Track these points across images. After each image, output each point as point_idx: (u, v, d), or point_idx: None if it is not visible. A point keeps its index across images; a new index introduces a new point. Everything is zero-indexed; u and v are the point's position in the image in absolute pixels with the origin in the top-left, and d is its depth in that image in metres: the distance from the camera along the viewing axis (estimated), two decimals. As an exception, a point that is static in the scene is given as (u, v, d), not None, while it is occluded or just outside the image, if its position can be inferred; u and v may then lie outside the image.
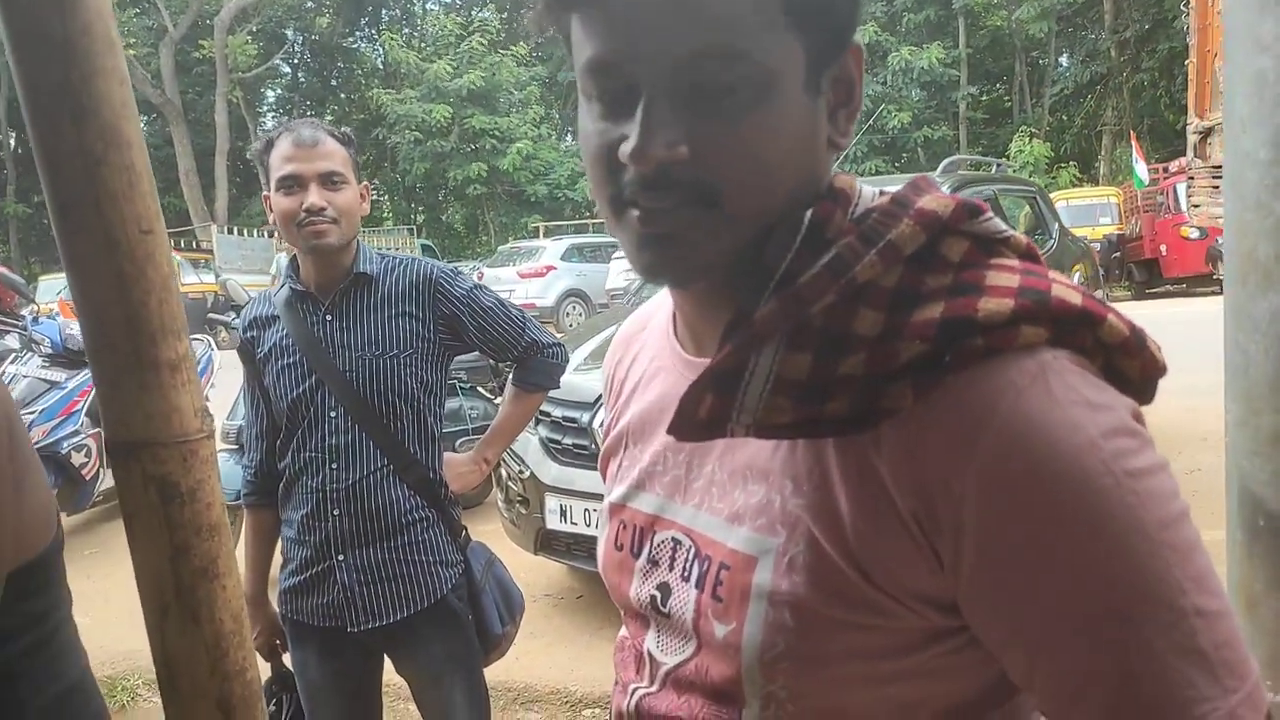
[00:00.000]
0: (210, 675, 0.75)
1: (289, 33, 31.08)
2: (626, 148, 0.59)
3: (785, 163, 0.62)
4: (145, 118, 26.26)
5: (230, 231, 20.82)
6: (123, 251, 0.70)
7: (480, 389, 5.46)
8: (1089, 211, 16.33)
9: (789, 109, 0.61)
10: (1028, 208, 6.41)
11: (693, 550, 0.70)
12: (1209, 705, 0.52)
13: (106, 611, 3.79)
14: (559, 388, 2.08)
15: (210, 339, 6.06)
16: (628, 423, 0.82)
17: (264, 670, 1.96)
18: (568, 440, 3.55)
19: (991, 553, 0.55)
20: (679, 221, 0.61)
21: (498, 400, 5.27)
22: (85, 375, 5.10)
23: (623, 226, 0.63)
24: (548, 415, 3.58)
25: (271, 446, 1.84)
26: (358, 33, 32.98)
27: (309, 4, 29.57)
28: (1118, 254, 15.40)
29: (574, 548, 3.53)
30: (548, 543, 3.61)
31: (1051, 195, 8.41)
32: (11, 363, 4.91)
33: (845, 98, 0.66)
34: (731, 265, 0.63)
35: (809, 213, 0.62)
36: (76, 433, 4.84)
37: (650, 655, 0.75)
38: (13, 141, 28.37)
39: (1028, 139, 21.65)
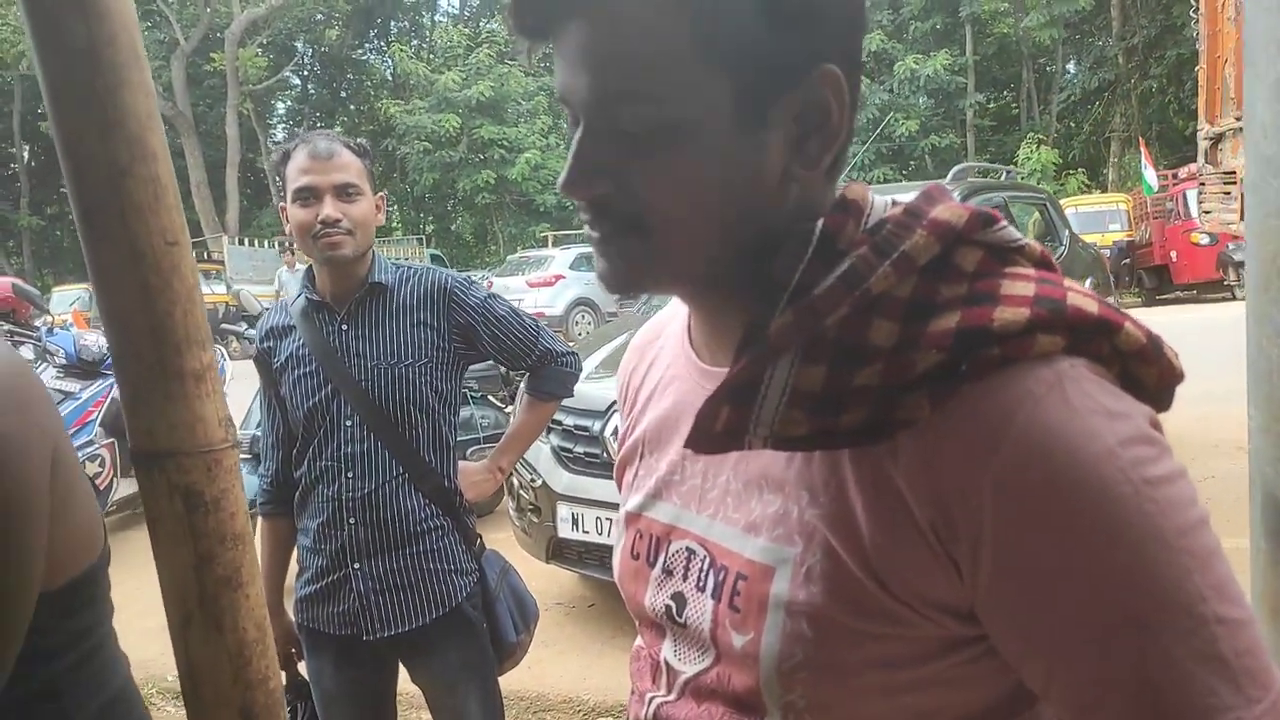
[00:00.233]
0: (233, 684, 0.75)
1: (299, 45, 31.28)
2: (560, 178, 0.63)
3: (711, 200, 0.62)
4: (157, 130, 26.36)
5: (241, 243, 20.93)
6: (148, 263, 0.70)
7: (491, 398, 5.47)
8: (1098, 218, 16.26)
9: (709, 149, 0.60)
10: (1037, 215, 6.39)
11: (707, 560, 0.70)
12: (1231, 715, 0.52)
13: (119, 621, 3.75)
14: (573, 396, 2.08)
15: (223, 349, 6.10)
16: (643, 431, 0.82)
17: (279, 679, 1.95)
18: (579, 449, 3.55)
19: (1009, 562, 0.55)
20: (615, 247, 0.64)
21: (508, 409, 5.28)
22: (99, 386, 5.13)
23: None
24: (559, 424, 3.59)
25: (287, 455, 1.85)
26: (367, 45, 33.17)
27: (319, 16, 29.72)
28: (1127, 260, 15.33)
29: (585, 556, 3.53)
30: (559, 551, 3.61)
31: (1060, 202, 8.38)
32: (26, 373, 4.93)
33: (817, 124, 0.62)
34: (701, 281, 0.66)
35: (819, 224, 0.62)
36: (90, 443, 4.87)
37: (667, 664, 0.74)
38: (26, 154, 28.60)
39: (1035, 146, 21.57)
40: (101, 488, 4.89)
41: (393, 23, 33.27)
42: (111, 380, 5.27)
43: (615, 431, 3.38)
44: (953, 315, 0.57)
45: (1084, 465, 0.53)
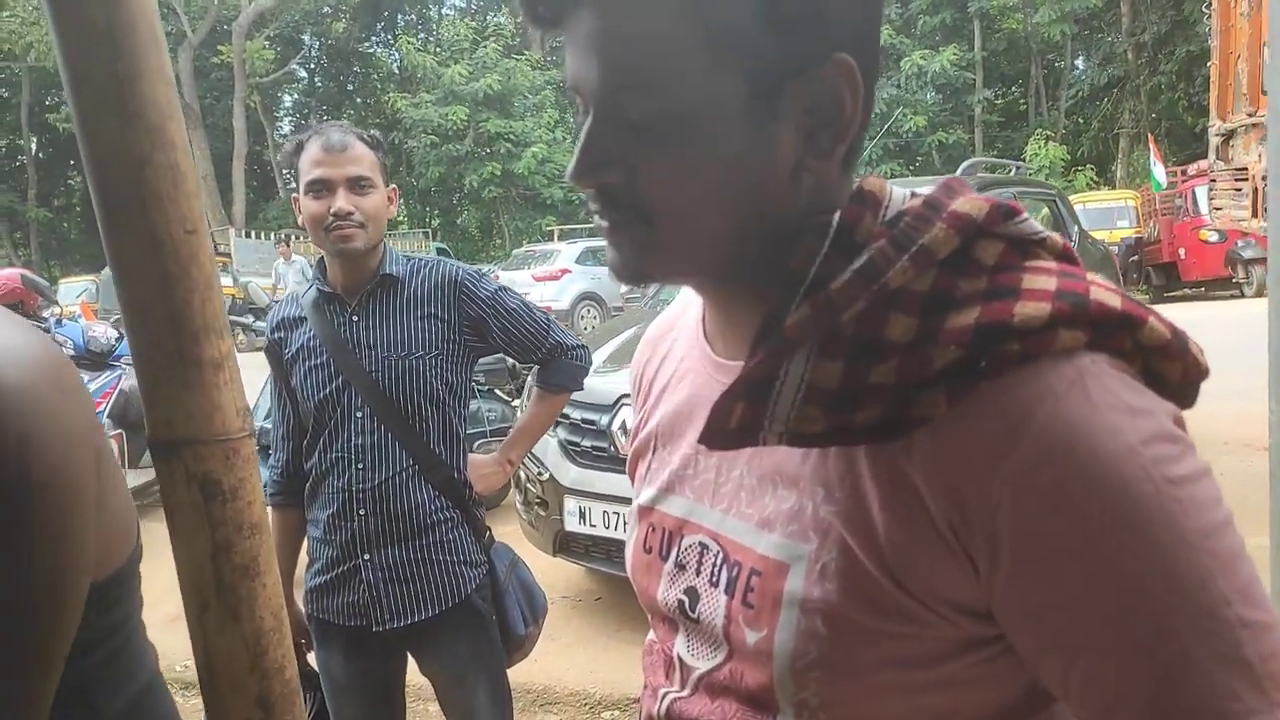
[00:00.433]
0: (250, 672, 0.75)
1: (306, 38, 31.28)
2: (568, 167, 0.63)
3: (717, 194, 0.61)
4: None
5: (247, 235, 20.97)
6: (168, 251, 0.70)
7: (498, 391, 5.47)
8: (1106, 214, 16.20)
9: (719, 139, 0.60)
10: (1046, 210, 6.37)
11: (720, 555, 0.70)
12: (1255, 719, 0.51)
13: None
14: (582, 389, 2.09)
15: (230, 341, 6.11)
16: (657, 424, 0.82)
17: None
18: (587, 442, 3.55)
19: (1027, 560, 0.54)
20: (622, 235, 0.64)
21: (515, 403, 5.28)
22: (107, 377, 5.14)
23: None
24: (567, 418, 3.59)
25: (298, 446, 1.86)
26: (374, 38, 33.16)
27: (326, 9, 29.72)
28: (1135, 257, 15.27)
29: (592, 550, 3.54)
30: (566, 544, 3.62)
31: (1069, 198, 8.35)
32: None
33: (829, 118, 0.61)
34: (713, 272, 0.66)
35: (836, 216, 0.61)
36: (99, 434, 4.88)
37: (680, 660, 0.74)
38: (34, 146, 28.66)
39: (1044, 142, 21.52)
40: (110, 479, 4.91)
41: (400, 16, 33.25)
42: (120, 372, 5.28)
43: (623, 426, 3.38)
44: (972, 310, 0.56)
45: (1105, 463, 0.52)
